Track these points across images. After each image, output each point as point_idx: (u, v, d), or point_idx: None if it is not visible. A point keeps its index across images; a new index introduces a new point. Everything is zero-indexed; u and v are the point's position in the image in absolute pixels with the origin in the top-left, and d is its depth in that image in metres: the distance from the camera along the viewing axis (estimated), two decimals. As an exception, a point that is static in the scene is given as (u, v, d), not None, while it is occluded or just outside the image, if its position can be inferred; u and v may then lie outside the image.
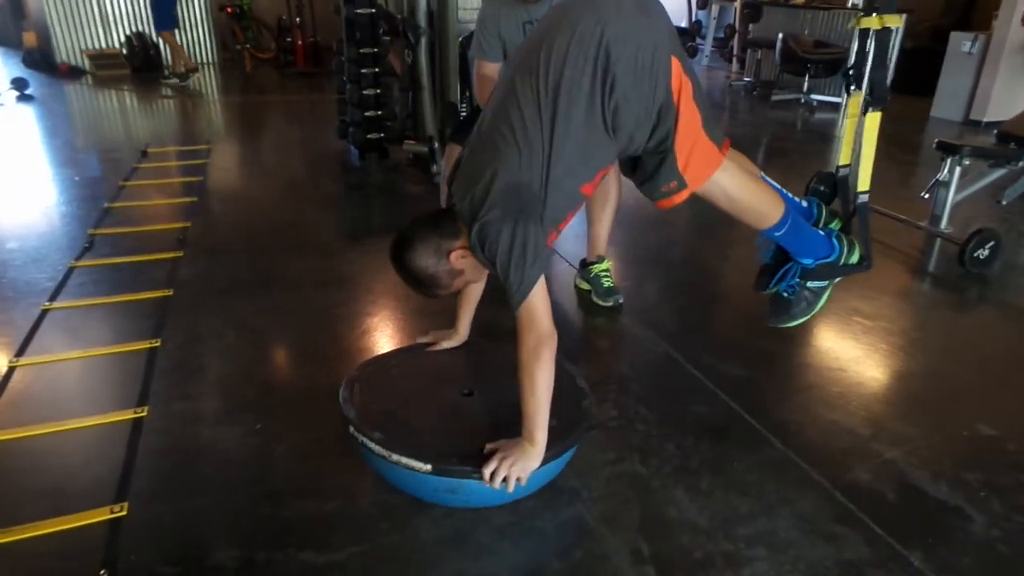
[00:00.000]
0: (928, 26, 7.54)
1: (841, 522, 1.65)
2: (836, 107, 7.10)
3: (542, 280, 1.50)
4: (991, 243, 3.08)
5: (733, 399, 2.12)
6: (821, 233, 1.86)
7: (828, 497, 1.73)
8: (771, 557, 1.54)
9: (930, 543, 1.59)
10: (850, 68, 2.01)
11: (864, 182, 1.84)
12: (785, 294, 1.90)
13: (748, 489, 1.75)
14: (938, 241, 3.46)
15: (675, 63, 1.52)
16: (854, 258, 1.85)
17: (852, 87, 1.97)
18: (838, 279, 1.89)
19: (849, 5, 7.60)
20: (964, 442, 1.97)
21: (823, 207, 1.98)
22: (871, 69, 1.81)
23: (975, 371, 2.38)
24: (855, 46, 2.18)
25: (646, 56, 1.47)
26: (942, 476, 1.81)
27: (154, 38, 8.75)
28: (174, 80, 7.63)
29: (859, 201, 1.86)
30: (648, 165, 1.61)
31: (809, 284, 1.87)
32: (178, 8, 7.91)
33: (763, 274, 1.96)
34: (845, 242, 1.85)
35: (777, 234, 1.77)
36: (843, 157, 2.02)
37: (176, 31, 7.97)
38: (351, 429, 1.63)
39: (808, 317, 1.91)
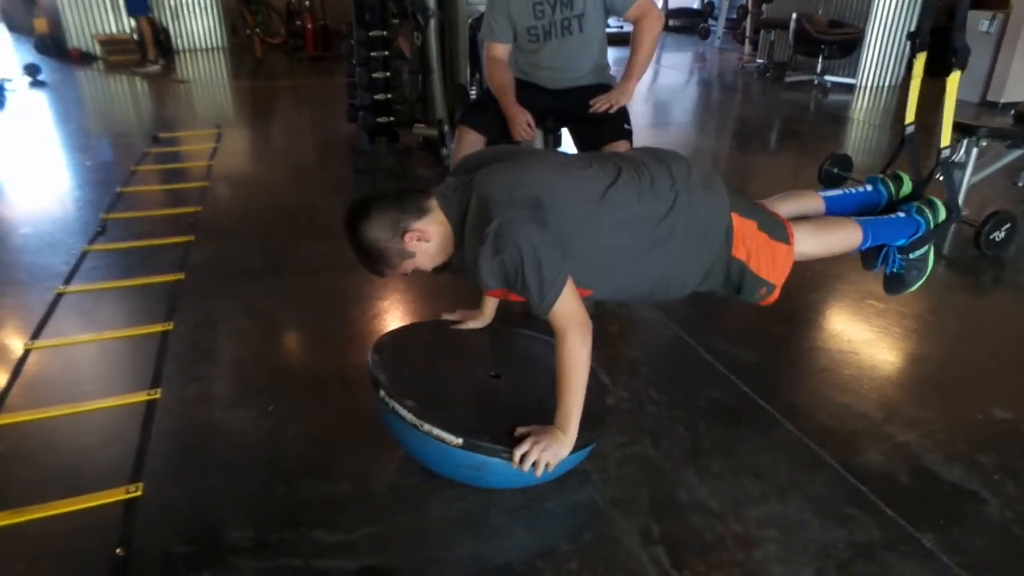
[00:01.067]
0: (945, 5, 7.41)
1: (853, 504, 1.64)
2: (850, 88, 7.01)
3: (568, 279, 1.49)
4: (1007, 225, 3.04)
5: (744, 382, 2.11)
6: (901, 215, 1.97)
7: (840, 479, 1.72)
8: (782, 539, 1.54)
9: (942, 525, 1.58)
10: (915, 31, 2.11)
11: (946, 137, 2.01)
12: (894, 271, 2.01)
13: (759, 471, 1.74)
14: (953, 224, 3.42)
15: (735, 218, 1.68)
16: (941, 215, 1.97)
17: (917, 50, 2.06)
18: (935, 240, 2.00)
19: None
20: (978, 425, 1.96)
21: (886, 180, 2.07)
22: (954, 32, 1.95)
23: (990, 354, 2.36)
24: (919, 10, 2.41)
25: (701, 228, 1.66)
26: (956, 459, 1.80)
27: (163, 22, 8.76)
28: (152, 67, 7.58)
29: (943, 156, 2.02)
30: (738, 288, 1.75)
31: (911, 255, 1.98)
32: None
33: (866, 258, 2.07)
34: (927, 208, 1.95)
35: (866, 247, 1.92)
36: (908, 116, 2.14)
37: (151, 15, 7.88)
38: (382, 394, 1.61)
39: (924, 279, 2.02)
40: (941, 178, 2.11)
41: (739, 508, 1.62)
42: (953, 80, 1.95)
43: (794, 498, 1.66)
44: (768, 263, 1.72)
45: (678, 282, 1.70)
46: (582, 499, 1.66)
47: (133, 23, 8.35)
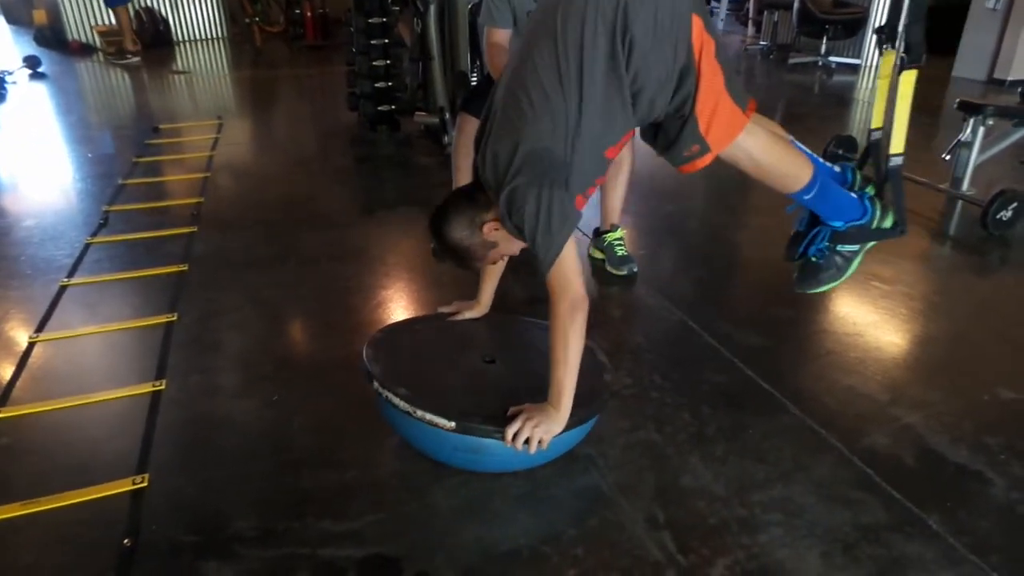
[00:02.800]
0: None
1: (858, 487, 1.64)
2: (855, 69, 6.95)
3: (572, 244, 1.49)
4: (1015, 204, 3.02)
5: (749, 366, 2.11)
6: (853, 195, 1.81)
7: (845, 462, 1.72)
8: (787, 522, 1.53)
9: (949, 507, 1.58)
10: (883, 26, 1.92)
11: (898, 144, 1.78)
12: (814, 259, 1.86)
13: (764, 455, 1.74)
14: (959, 203, 3.40)
15: (696, 21, 1.47)
16: (887, 222, 1.81)
17: (884, 46, 1.89)
18: (870, 244, 1.84)
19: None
20: (985, 406, 1.95)
21: (857, 172, 1.91)
22: (906, 25, 1.75)
23: (996, 335, 2.35)
24: (888, 2, 2.07)
25: (665, 16, 1.44)
26: (962, 440, 1.80)
27: (163, 13, 8.72)
28: (131, 59, 7.54)
29: (892, 164, 1.80)
30: (670, 130, 1.58)
31: (840, 248, 1.82)
32: None
33: (794, 242, 1.92)
34: (878, 205, 1.81)
35: (806, 197, 1.73)
36: (875, 120, 1.94)
37: (128, 7, 7.81)
38: (375, 385, 1.63)
39: (837, 283, 1.87)
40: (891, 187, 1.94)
41: (744, 492, 1.62)
42: (908, 79, 1.73)
43: (799, 481, 1.65)
44: (713, 112, 1.51)
45: (654, 85, 1.50)
46: (587, 485, 1.66)
47: (136, 13, 8.32)
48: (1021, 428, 1.85)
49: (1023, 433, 1.83)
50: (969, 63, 6.38)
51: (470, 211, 1.60)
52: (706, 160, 1.57)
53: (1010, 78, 6.01)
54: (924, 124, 5.06)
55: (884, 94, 1.90)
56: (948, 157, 3.41)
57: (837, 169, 1.91)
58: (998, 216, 3.01)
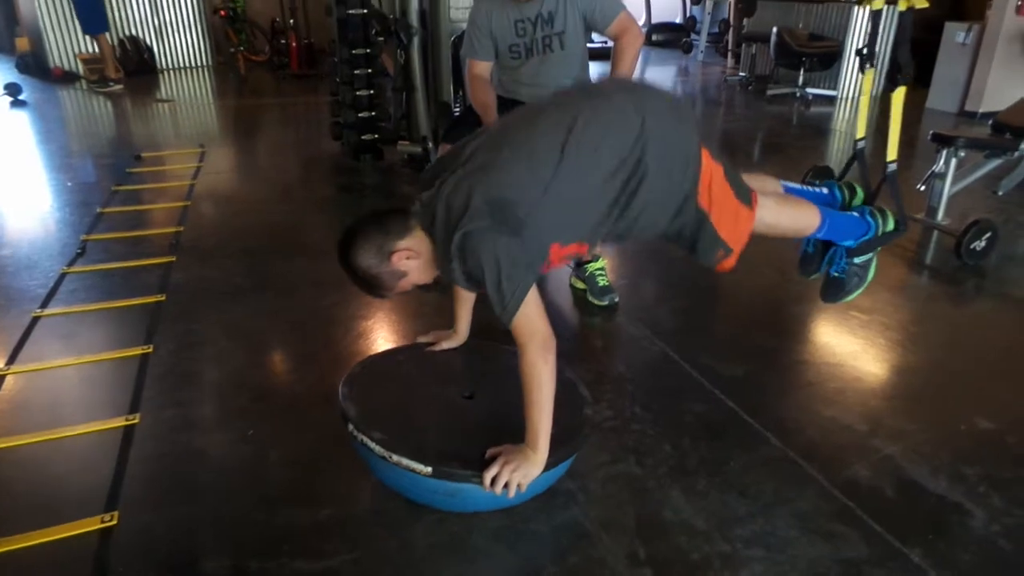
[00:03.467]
0: (922, 16, 7.51)
1: (840, 520, 1.63)
2: (832, 100, 7.08)
3: (533, 288, 1.48)
4: (988, 234, 3.07)
5: (730, 398, 2.10)
6: (855, 215, 1.96)
7: (826, 495, 1.71)
8: (769, 557, 1.52)
9: (930, 540, 1.58)
10: (863, 48, 2.12)
11: (892, 152, 2.00)
12: (836, 274, 1.99)
13: (745, 489, 1.73)
14: (935, 233, 3.45)
15: (704, 154, 1.61)
16: (890, 225, 1.95)
17: (866, 65, 2.09)
18: (880, 248, 1.98)
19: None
20: (962, 436, 1.96)
21: (842, 187, 2.06)
22: (896, 47, 2.00)
23: (973, 364, 2.37)
24: (868, 27, 2.41)
25: (677, 156, 1.57)
26: (941, 471, 1.80)
27: (147, 41, 8.74)
28: (114, 87, 7.54)
29: (889, 170, 2.00)
30: (682, 243, 1.71)
31: (856, 260, 1.96)
32: (107, 9, 7.80)
33: (805, 261, 2.07)
34: (878, 214, 1.94)
35: (819, 235, 1.90)
36: (859, 131, 2.15)
37: (108, 34, 7.82)
38: (351, 428, 1.61)
39: (863, 288, 2.00)
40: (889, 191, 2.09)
41: (725, 527, 1.61)
42: (899, 95, 1.99)
43: (781, 515, 1.64)
44: (729, 222, 1.65)
45: (652, 216, 1.61)
46: (567, 519, 1.64)
47: (120, 41, 8.33)
48: (998, 458, 1.86)
49: (1000, 463, 1.83)
50: (941, 96, 6.53)
51: (378, 239, 1.56)
52: (732, 259, 1.70)
53: (981, 110, 6.14)
54: (899, 154, 5.15)
55: (866, 108, 2.13)
56: (923, 188, 3.47)
57: (825, 191, 2.06)
58: (972, 246, 3.05)
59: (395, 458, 1.52)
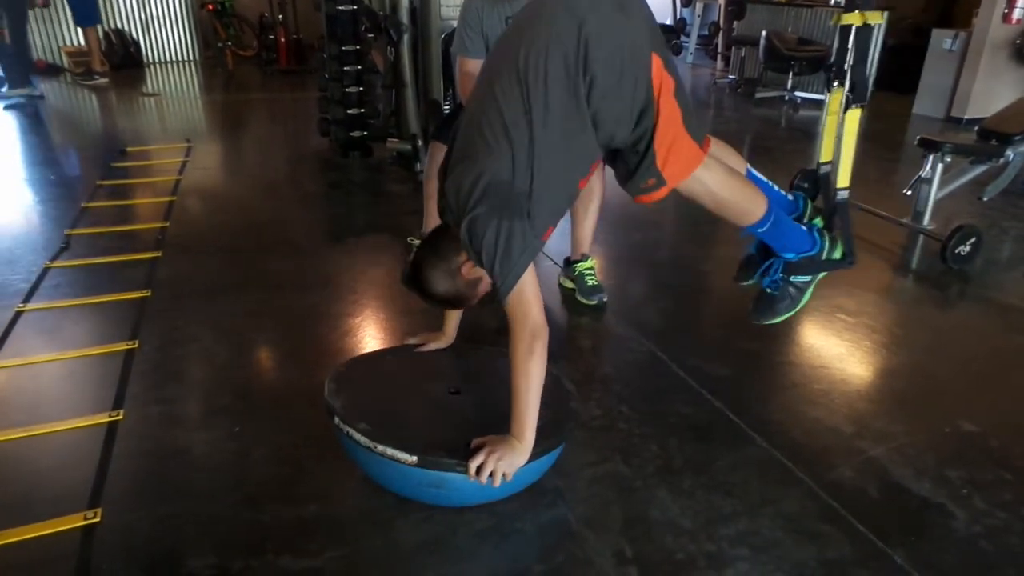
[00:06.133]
0: (910, 23, 7.58)
1: (824, 520, 1.64)
2: (820, 104, 7.11)
3: (532, 273, 1.49)
4: (972, 239, 3.10)
5: (716, 398, 2.11)
6: (803, 228, 1.85)
7: (811, 495, 1.72)
8: (754, 557, 1.53)
9: (913, 541, 1.59)
10: (832, 65, 1.99)
11: (844, 178, 1.83)
12: (769, 290, 1.89)
13: (731, 489, 1.74)
14: (920, 238, 3.48)
15: (655, 60, 1.50)
16: (837, 254, 1.84)
17: (834, 84, 1.96)
18: (822, 275, 1.87)
19: (831, 3, 7.64)
20: (947, 439, 1.97)
21: (809, 202, 1.97)
22: (852, 66, 1.80)
23: (957, 367, 2.39)
24: (836, 43, 2.13)
25: (624, 55, 1.46)
26: (925, 473, 1.81)
27: (134, 34, 8.65)
28: (99, 80, 7.47)
29: (839, 198, 1.84)
30: (629, 161, 1.59)
31: (793, 279, 1.85)
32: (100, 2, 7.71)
33: (745, 266, 1.95)
34: (827, 238, 1.84)
35: (760, 230, 1.76)
36: (824, 154, 1.99)
37: (98, 27, 7.74)
38: (336, 420, 1.60)
39: (792, 313, 1.89)
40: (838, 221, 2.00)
41: (711, 526, 1.61)
42: (852, 117, 1.79)
43: (766, 515, 1.65)
44: (671, 148, 1.53)
45: (610, 128, 1.53)
46: (553, 518, 1.63)
47: (105, 34, 8.24)
48: (981, 461, 1.87)
49: (983, 466, 1.85)
50: (928, 101, 6.59)
51: (443, 263, 1.61)
52: (661, 193, 1.58)
53: (967, 116, 6.21)
54: (887, 160, 5.20)
55: (832, 130, 1.93)
56: (909, 192, 3.49)
57: (791, 197, 1.95)
58: (957, 250, 3.08)
59: (380, 448, 1.51)
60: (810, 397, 2.15)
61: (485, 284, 1.65)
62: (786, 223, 1.81)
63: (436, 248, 1.64)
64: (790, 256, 1.83)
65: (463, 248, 1.52)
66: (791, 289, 1.86)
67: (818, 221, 1.92)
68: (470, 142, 1.53)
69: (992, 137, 3.37)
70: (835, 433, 1.98)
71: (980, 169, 3.44)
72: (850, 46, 1.83)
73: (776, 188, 1.91)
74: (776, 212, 1.76)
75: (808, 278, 1.86)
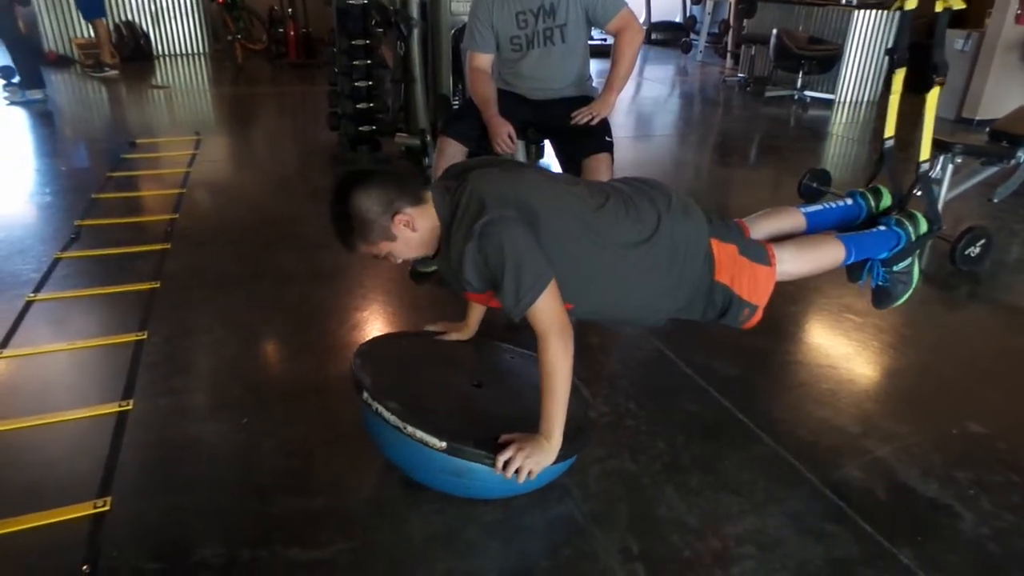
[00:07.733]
0: (923, 23, 7.53)
1: (831, 520, 1.64)
2: (829, 104, 7.10)
3: (553, 280, 1.50)
4: (982, 241, 3.08)
5: (724, 397, 2.11)
6: (882, 228, 1.99)
7: (818, 495, 1.72)
8: (760, 555, 1.53)
9: (919, 541, 1.59)
10: (892, 48, 2.15)
11: (925, 151, 2.07)
12: (880, 284, 2.03)
13: (738, 487, 1.74)
14: (935, 235, 3.46)
15: (714, 244, 1.72)
16: (923, 228, 1.99)
17: (896, 66, 2.15)
18: (918, 251, 2.01)
19: (843, 1, 7.60)
20: (954, 440, 1.97)
21: (865, 193, 2.10)
22: (932, 48, 2.04)
23: (965, 369, 2.39)
24: (897, 27, 2.43)
25: (682, 253, 1.70)
26: (932, 474, 1.81)
27: (144, 26, 8.67)
28: (109, 72, 7.47)
29: (921, 170, 2.07)
30: (723, 312, 1.77)
31: (895, 268, 1.99)
32: None
33: (851, 269, 2.08)
34: (907, 221, 1.98)
35: (849, 262, 1.94)
36: (888, 130, 2.18)
37: (105, 19, 7.75)
38: (364, 396, 1.57)
39: (911, 292, 2.05)
40: (919, 193, 2.14)
41: (717, 524, 1.62)
42: (933, 95, 2.04)
43: (772, 514, 1.65)
44: (750, 284, 1.75)
45: (653, 308, 1.75)
46: (561, 514, 1.64)
47: (116, 26, 8.25)
48: (988, 462, 1.87)
49: (990, 468, 1.85)
50: (939, 102, 6.54)
51: (392, 192, 1.56)
52: (758, 315, 1.79)
53: (978, 117, 6.18)
54: (899, 158, 5.17)
55: (896, 107, 2.18)
56: (919, 192, 3.48)
57: (849, 202, 2.09)
58: (966, 252, 3.07)
59: (410, 429, 1.49)
60: (818, 396, 2.15)
61: (387, 247, 1.59)
62: (865, 239, 1.96)
63: (401, 181, 1.59)
64: (884, 255, 1.98)
65: (466, 240, 1.49)
66: (899, 275, 2.01)
67: (885, 200, 2.07)
68: (556, 185, 1.69)
69: (1003, 138, 3.36)
70: (842, 432, 1.98)
71: (991, 170, 3.43)
72: (936, 32, 2.12)
73: (836, 205, 2.08)
74: (853, 242, 1.92)
75: (908, 261, 2.01)
